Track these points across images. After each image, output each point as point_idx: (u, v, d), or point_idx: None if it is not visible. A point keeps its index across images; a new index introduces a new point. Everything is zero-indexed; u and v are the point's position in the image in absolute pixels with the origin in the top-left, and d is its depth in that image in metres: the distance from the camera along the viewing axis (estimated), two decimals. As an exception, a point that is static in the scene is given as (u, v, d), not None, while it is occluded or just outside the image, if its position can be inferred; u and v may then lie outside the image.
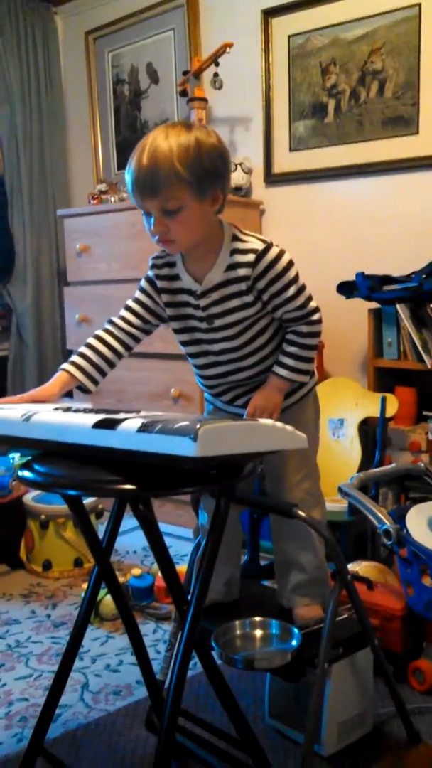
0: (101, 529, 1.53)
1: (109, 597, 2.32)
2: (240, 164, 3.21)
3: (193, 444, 1.06)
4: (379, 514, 1.74)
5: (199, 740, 1.63)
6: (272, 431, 1.24)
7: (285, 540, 1.78)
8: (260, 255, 1.55)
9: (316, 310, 1.64)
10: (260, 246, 1.56)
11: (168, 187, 1.43)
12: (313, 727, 1.49)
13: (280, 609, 1.80)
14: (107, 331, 1.70)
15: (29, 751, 1.52)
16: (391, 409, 2.50)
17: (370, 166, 2.97)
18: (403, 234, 2.93)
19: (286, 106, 3.19)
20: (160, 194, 1.44)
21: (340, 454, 2.65)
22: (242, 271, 1.56)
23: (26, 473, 1.27)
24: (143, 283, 1.71)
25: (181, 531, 3.03)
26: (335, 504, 2.23)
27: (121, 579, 2.12)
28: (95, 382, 1.64)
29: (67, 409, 1.36)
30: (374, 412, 2.51)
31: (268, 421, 1.25)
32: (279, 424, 1.25)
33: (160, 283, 1.67)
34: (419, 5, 2.76)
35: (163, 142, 1.42)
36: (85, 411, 1.31)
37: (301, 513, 1.50)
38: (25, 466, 1.30)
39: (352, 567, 2.13)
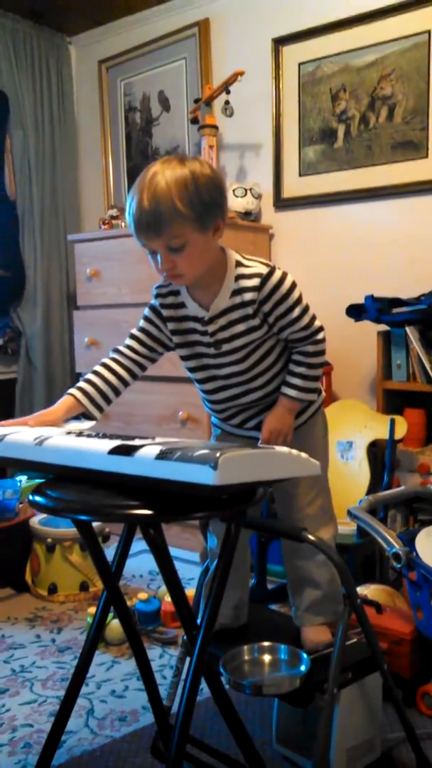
0: (107, 552, 1.52)
1: (115, 621, 2.30)
2: (250, 189, 3.24)
3: (213, 472, 1.06)
4: (389, 537, 1.72)
5: (206, 767, 1.61)
6: (289, 459, 1.25)
7: (298, 557, 1.77)
8: (265, 279, 1.56)
9: (321, 329, 1.66)
10: (264, 270, 1.58)
11: (171, 227, 1.44)
12: (321, 753, 1.47)
13: (288, 633, 1.78)
14: (114, 359, 1.71)
15: (33, 776, 1.50)
16: (400, 431, 2.49)
17: (380, 190, 2.99)
18: (413, 257, 2.94)
19: (296, 131, 3.22)
20: (163, 234, 1.45)
21: (349, 477, 2.64)
22: (248, 296, 1.57)
23: (38, 498, 1.27)
24: (148, 312, 1.72)
25: (188, 554, 3.01)
26: (344, 526, 2.22)
27: (127, 603, 2.10)
28: (100, 409, 1.65)
29: (80, 434, 1.35)
30: (383, 434, 2.51)
31: (284, 449, 1.24)
32: (294, 451, 1.25)
33: (165, 312, 1.68)
34: (429, 32, 2.80)
35: (160, 180, 1.43)
36: (98, 436, 1.31)
37: (310, 536, 1.49)
38: (36, 490, 1.30)
39: (360, 590, 2.11)
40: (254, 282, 1.57)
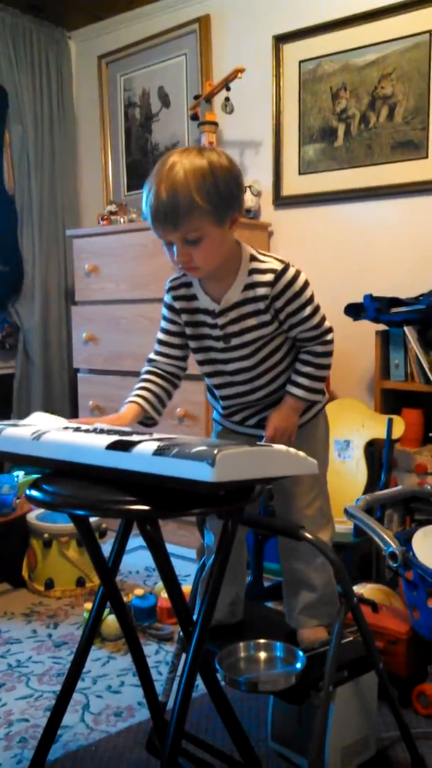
0: (104, 548, 1.52)
1: (111, 617, 2.30)
2: (249, 187, 3.23)
3: (210, 469, 1.06)
4: (385, 537, 1.72)
5: (201, 763, 1.61)
6: (286, 457, 1.25)
7: (295, 559, 1.77)
8: (279, 274, 1.57)
9: (330, 330, 1.66)
10: (279, 266, 1.58)
11: (188, 220, 1.44)
12: (316, 751, 1.47)
13: (284, 630, 1.78)
14: (154, 367, 1.72)
15: (29, 771, 1.50)
16: (398, 430, 2.50)
17: (379, 189, 2.99)
18: (411, 256, 2.94)
19: (296, 130, 3.22)
20: (180, 227, 1.45)
21: (346, 476, 2.64)
22: (261, 291, 1.57)
23: (35, 493, 1.27)
24: (164, 311, 1.73)
25: (184, 551, 3.01)
26: (341, 525, 2.22)
27: (123, 599, 2.10)
28: (159, 414, 1.68)
29: (77, 429, 1.36)
30: (381, 433, 2.51)
31: (282, 447, 1.25)
32: (292, 450, 1.26)
33: (178, 304, 1.68)
34: (430, 32, 2.80)
35: (178, 172, 1.42)
36: (96, 431, 1.31)
37: (307, 535, 1.50)
38: (33, 485, 1.30)
39: (357, 589, 2.12)
40: (268, 277, 1.57)
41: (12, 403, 3.92)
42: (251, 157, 3.40)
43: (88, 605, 2.37)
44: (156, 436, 1.28)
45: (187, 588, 2.07)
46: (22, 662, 2.23)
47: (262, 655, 1.54)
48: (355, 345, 3.01)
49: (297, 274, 1.59)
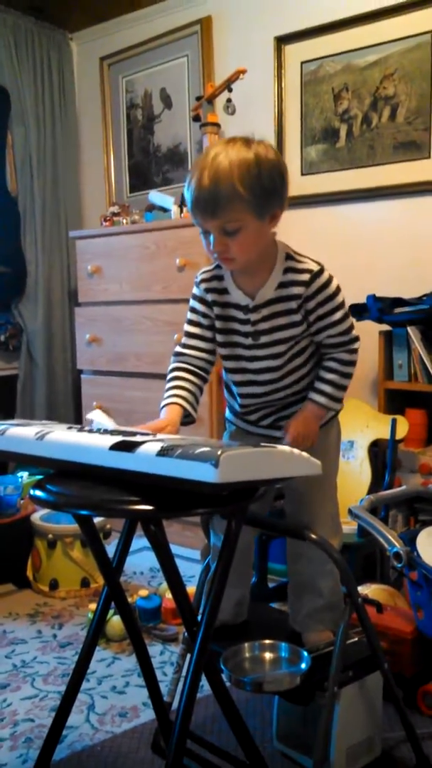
0: (108, 549, 1.53)
1: (116, 618, 2.30)
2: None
3: (214, 470, 1.06)
4: (390, 537, 1.73)
5: (206, 763, 1.61)
6: (290, 458, 1.25)
7: (303, 563, 1.77)
8: (315, 275, 1.56)
9: (357, 338, 1.65)
10: (315, 267, 1.58)
11: (228, 209, 1.44)
12: (321, 751, 1.48)
13: (289, 631, 1.78)
14: (183, 362, 1.69)
15: (35, 772, 1.51)
16: (402, 431, 2.50)
17: (382, 190, 2.99)
18: (415, 257, 2.94)
19: (298, 131, 3.22)
20: (220, 216, 1.45)
21: (350, 476, 2.64)
22: (296, 290, 1.57)
23: (39, 493, 1.27)
24: (194, 303, 1.70)
25: (189, 552, 3.02)
26: (345, 526, 2.21)
27: (128, 600, 2.10)
28: (196, 411, 1.65)
29: (81, 429, 1.36)
30: (384, 434, 2.51)
31: (286, 448, 1.25)
32: (296, 450, 1.25)
33: (210, 296, 1.66)
34: (431, 32, 2.80)
35: (223, 161, 1.42)
36: (99, 431, 1.31)
37: (312, 535, 1.50)
38: (37, 485, 1.30)
39: (361, 590, 2.12)
40: (304, 277, 1.56)
41: (16, 405, 3.92)
42: (254, 158, 3.40)
43: (93, 606, 2.38)
44: (159, 436, 1.28)
45: (191, 589, 2.08)
46: (27, 662, 2.24)
47: (267, 655, 1.54)
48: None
49: (331, 278, 1.59)
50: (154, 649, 2.27)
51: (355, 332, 1.64)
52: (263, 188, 1.45)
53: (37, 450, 1.32)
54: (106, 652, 2.28)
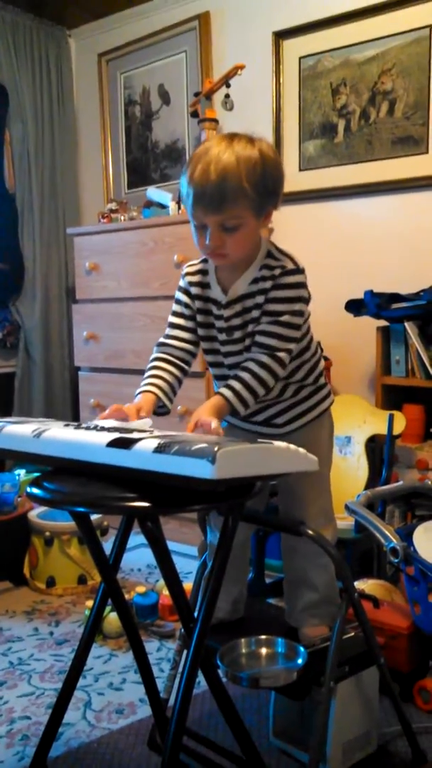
0: (105, 546, 1.52)
1: (113, 615, 2.30)
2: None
3: (211, 466, 1.06)
4: (386, 532, 1.73)
5: (203, 759, 1.61)
6: (287, 454, 1.24)
7: (298, 558, 1.77)
8: (285, 273, 1.54)
9: (289, 352, 1.56)
10: (290, 266, 1.55)
11: (233, 206, 1.43)
12: (318, 746, 1.48)
13: (285, 627, 1.78)
14: (165, 352, 1.67)
15: (31, 769, 1.51)
16: (399, 426, 2.49)
17: (380, 185, 2.99)
18: (412, 252, 2.94)
19: (296, 126, 3.21)
20: (225, 211, 1.44)
21: (347, 472, 2.64)
22: (266, 284, 1.56)
23: (36, 490, 1.27)
24: (178, 295, 1.70)
25: (186, 548, 3.01)
26: (342, 521, 2.21)
27: (125, 596, 2.10)
28: (171, 401, 1.63)
29: (78, 426, 1.36)
30: (382, 429, 2.51)
31: (282, 444, 1.24)
32: (292, 447, 1.25)
33: (193, 290, 1.67)
34: (430, 27, 2.79)
35: (230, 156, 1.41)
36: (96, 428, 1.31)
37: (308, 530, 1.50)
38: (34, 482, 1.30)
39: (358, 585, 2.12)
40: (276, 272, 1.55)
41: (13, 402, 3.92)
42: (251, 154, 3.39)
43: (90, 603, 2.38)
44: (156, 433, 1.28)
45: (188, 585, 2.07)
46: (24, 660, 2.23)
47: (264, 651, 1.54)
48: (356, 341, 3.01)
49: (301, 282, 1.55)
50: (151, 646, 2.27)
51: (288, 355, 1.55)
52: (266, 187, 1.45)
53: (35, 447, 1.31)
54: (103, 649, 2.28)
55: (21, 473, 3.11)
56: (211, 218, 1.46)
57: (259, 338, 1.56)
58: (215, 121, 3.26)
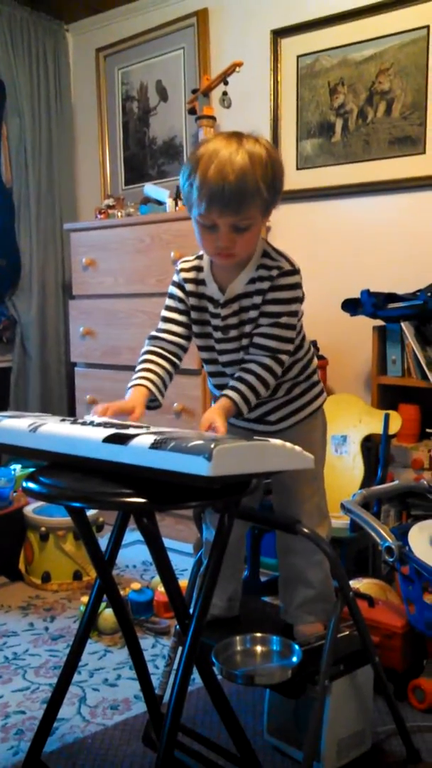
0: (101, 542, 1.53)
1: (108, 611, 2.31)
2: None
3: (207, 463, 1.06)
4: (382, 531, 1.74)
5: (197, 756, 1.62)
6: (283, 451, 1.25)
7: (293, 555, 1.78)
8: (283, 273, 1.55)
9: (287, 353, 1.59)
10: (287, 266, 1.56)
11: (249, 206, 1.44)
12: (312, 744, 1.48)
13: (280, 625, 1.79)
14: (157, 346, 1.67)
15: (26, 764, 1.51)
16: (395, 426, 2.50)
17: (377, 185, 2.99)
18: (409, 252, 2.94)
19: (293, 124, 3.21)
20: (241, 212, 1.44)
21: (343, 471, 2.65)
22: (262, 285, 1.56)
23: (32, 485, 1.27)
24: (172, 289, 1.69)
25: (181, 545, 3.02)
26: (337, 520, 2.22)
27: (120, 593, 2.11)
28: (163, 396, 1.63)
29: (74, 421, 1.36)
30: (377, 429, 2.52)
31: (278, 442, 1.25)
32: (288, 444, 1.26)
33: (188, 286, 1.66)
34: (428, 27, 2.79)
35: (244, 157, 1.41)
36: (93, 424, 1.31)
37: (304, 529, 1.50)
38: (30, 477, 1.30)
39: (353, 584, 2.12)
40: (273, 273, 1.55)
41: (9, 397, 3.91)
42: (249, 152, 3.39)
43: (85, 599, 2.38)
44: (153, 429, 1.28)
45: (183, 582, 2.08)
46: (19, 655, 2.24)
47: (259, 648, 1.55)
48: (352, 340, 3.02)
49: (297, 283, 1.57)
50: (146, 642, 2.28)
51: (286, 355, 1.58)
52: (275, 187, 1.47)
53: (31, 442, 1.32)
54: (98, 645, 2.28)
55: (17, 468, 3.11)
56: (225, 219, 1.45)
57: (258, 340, 1.57)
58: (213, 118, 3.26)
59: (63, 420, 1.38)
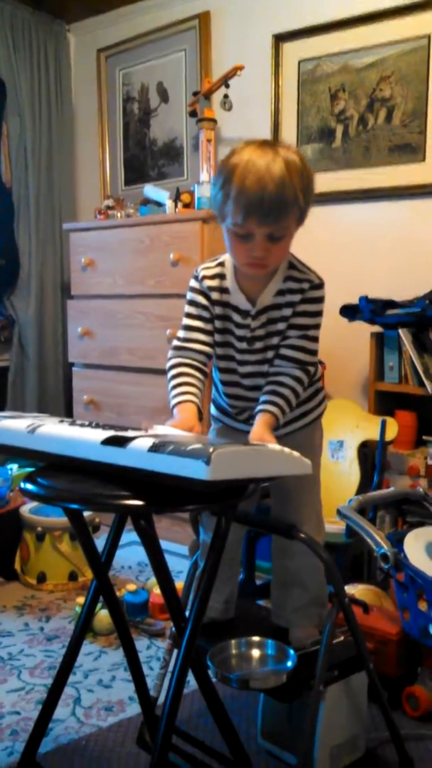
0: (97, 543, 1.53)
1: (103, 612, 2.31)
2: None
3: (206, 467, 1.07)
4: (377, 538, 1.74)
5: (191, 759, 1.63)
6: (281, 457, 1.26)
7: (289, 559, 1.78)
8: (314, 287, 1.58)
9: (316, 365, 1.63)
10: (317, 280, 1.59)
11: (288, 216, 1.44)
12: (306, 749, 1.49)
13: (275, 629, 1.80)
14: (187, 357, 1.64)
15: (21, 765, 1.52)
16: (391, 432, 2.51)
17: (376, 191, 3.00)
18: (407, 259, 2.95)
19: (294, 129, 3.22)
20: (281, 221, 1.44)
21: (339, 476, 2.66)
22: (293, 298, 1.57)
23: (30, 486, 1.28)
24: (195, 296, 1.65)
25: (177, 548, 3.02)
26: (333, 526, 2.24)
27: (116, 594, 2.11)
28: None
29: (73, 422, 1.36)
30: (374, 435, 2.53)
31: (277, 447, 1.25)
32: (287, 450, 1.27)
33: (213, 295, 1.63)
34: (429, 36, 2.81)
35: (281, 166, 1.40)
36: (91, 425, 1.32)
37: (301, 535, 1.51)
38: (28, 478, 1.31)
39: (348, 589, 2.13)
40: (304, 286, 1.57)
41: (6, 397, 3.91)
42: (249, 156, 3.39)
43: (81, 599, 2.38)
44: (151, 432, 1.28)
45: (179, 584, 2.09)
46: (14, 655, 2.24)
47: (254, 652, 1.55)
48: (349, 346, 3.02)
49: (324, 296, 1.60)
50: (141, 644, 2.28)
51: (313, 365, 1.62)
52: (310, 196, 1.47)
53: (29, 443, 1.32)
54: (93, 646, 2.29)
55: (13, 468, 3.11)
56: (263, 228, 1.44)
57: (287, 352, 1.59)
58: (213, 121, 3.27)
59: (62, 421, 1.39)
